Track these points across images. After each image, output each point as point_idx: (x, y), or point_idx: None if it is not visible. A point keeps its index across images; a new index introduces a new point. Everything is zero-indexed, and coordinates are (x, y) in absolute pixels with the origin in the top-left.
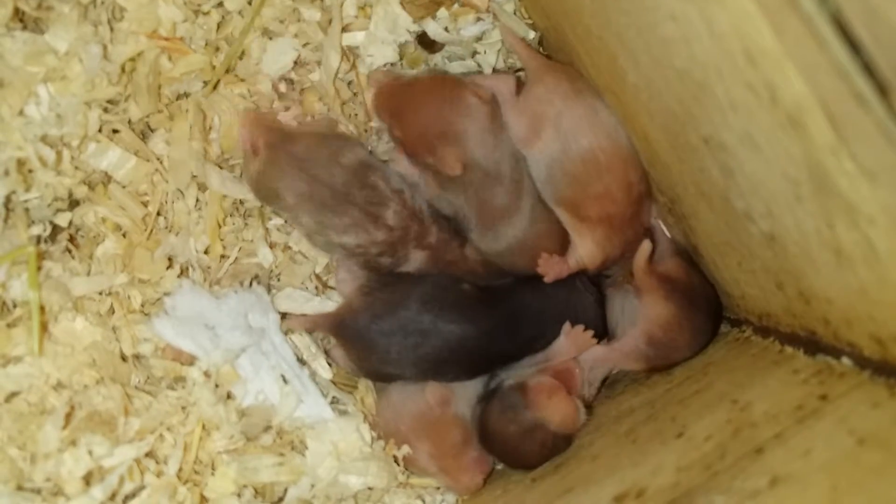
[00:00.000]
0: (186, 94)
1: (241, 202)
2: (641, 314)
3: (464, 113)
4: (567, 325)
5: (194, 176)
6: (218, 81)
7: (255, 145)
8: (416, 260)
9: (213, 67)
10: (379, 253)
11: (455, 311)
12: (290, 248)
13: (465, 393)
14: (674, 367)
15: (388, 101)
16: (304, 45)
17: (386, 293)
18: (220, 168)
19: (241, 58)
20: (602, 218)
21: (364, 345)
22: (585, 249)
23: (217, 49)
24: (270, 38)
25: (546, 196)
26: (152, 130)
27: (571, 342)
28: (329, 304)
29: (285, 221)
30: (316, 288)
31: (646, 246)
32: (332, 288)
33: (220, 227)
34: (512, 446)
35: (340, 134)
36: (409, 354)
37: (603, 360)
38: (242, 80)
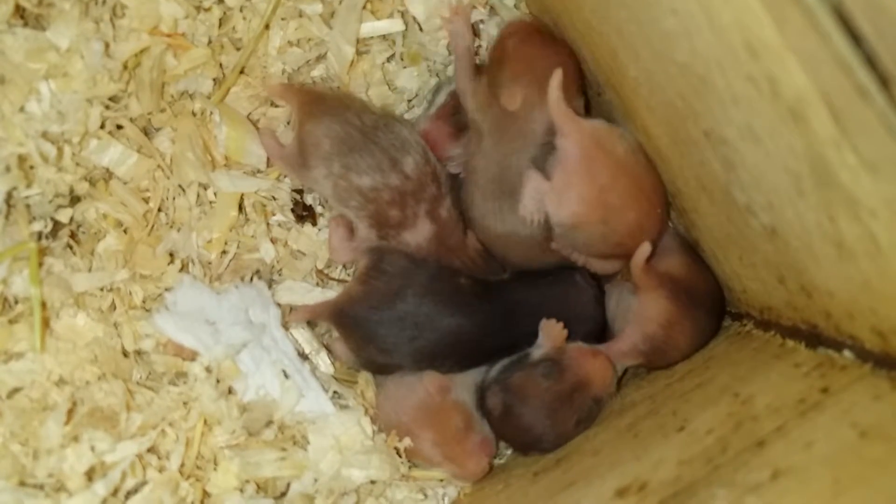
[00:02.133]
0: (190, 94)
1: (242, 197)
2: (640, 312)
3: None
4: (543, 321)
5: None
6: (229, 89)
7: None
8: (421, 231)
9: (220, 65)
10: (390, 201)
11: (451, 305)
12: (289, 245)
13: (464, 379)
14: (674, 364)
15: (530, 30)
16: (308, 41)
17: (382, 282)
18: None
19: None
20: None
21: (362, 334)
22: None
23: (222, 47)
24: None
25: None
26: (156, 129)
27: (546, 336)
28: (330, 295)
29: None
30: (317, 284)
31: (644, 247)
32: (333, 279)
33: (231, 229)
34: (545, 415)
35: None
36: (406, 346)
37: None
38: (249, 81)
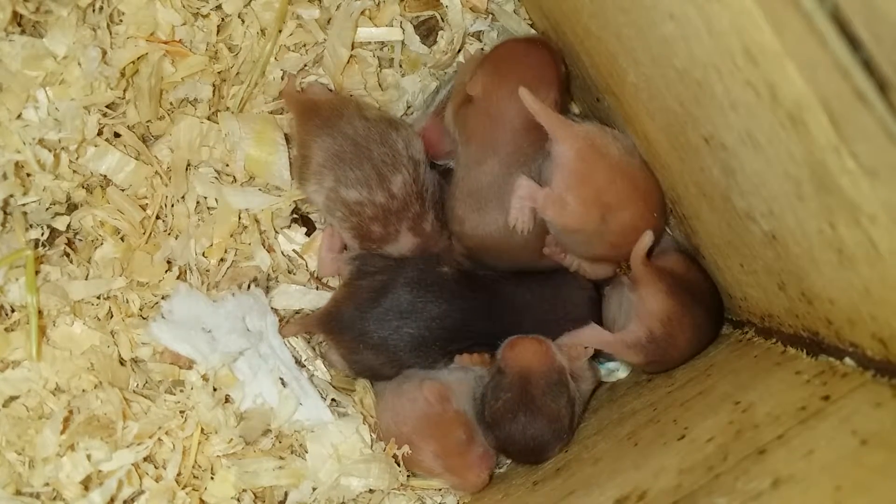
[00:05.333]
0: (191, 101)
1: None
2: (641, 308)
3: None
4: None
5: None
6: (245, 102)
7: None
8: (404, 244)
9: (217, 73)
10: (372, 217)
11: (433, 291)
12: (286, 252)
13: (463, 388)
14: (673, 366)
15: (515, 38)
16: (304, 46)
17: (366, 281)
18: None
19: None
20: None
21: (351, 335)
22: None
23: (216, 52)
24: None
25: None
26: (155, 136)
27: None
28: (326, 295)
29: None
30: (317, 288)
31: (645, 238)
32: (328, 287)
33: (231, 236)
34: (526, 422)
35: (360, 99)
36: (393, 336)
37: (603, 345)
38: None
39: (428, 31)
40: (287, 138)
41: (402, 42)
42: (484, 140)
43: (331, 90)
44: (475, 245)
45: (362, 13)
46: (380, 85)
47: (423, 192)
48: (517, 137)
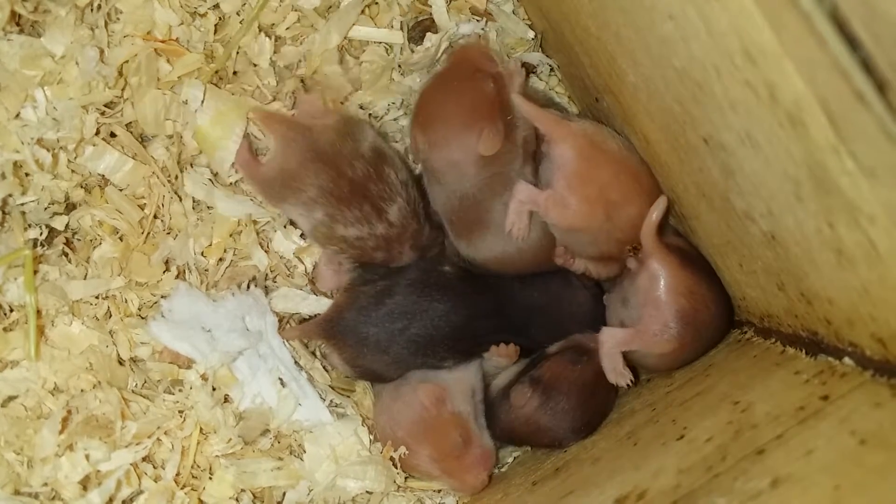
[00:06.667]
0: (185, 101)
1: None
2: (658, 288)
3: (462, 141)
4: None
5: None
6: (216, 73)
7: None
8: (405, 260)
9: (211, 66)
10: (375, 247)
11: (438, 290)
12: (284, 254)
13: (460, 388)
14: (704, 346)
15: (448, 69)
16: (296, 38)
17: (368, 286)
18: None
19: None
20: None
21: (356, 340)
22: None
23: (212, 52)
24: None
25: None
26: (151, 136)
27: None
28: (325, 301)
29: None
30: (313, 291)
31: (657, 208)
32: (325, 294)
33: (230, 235)
34: (586, 397)
35: (350, 118)
36: (399, 337)
37: (627, 343)
38: (242, 84)
39: (423, 31)
40: (246, 133)
41: (402, 42)
42: (450, 183)
43: (323, 105)
44: (479, 265)
45: (361, 13)
46: (378, 84)
47: (417, 208)
48: (480, 174)
